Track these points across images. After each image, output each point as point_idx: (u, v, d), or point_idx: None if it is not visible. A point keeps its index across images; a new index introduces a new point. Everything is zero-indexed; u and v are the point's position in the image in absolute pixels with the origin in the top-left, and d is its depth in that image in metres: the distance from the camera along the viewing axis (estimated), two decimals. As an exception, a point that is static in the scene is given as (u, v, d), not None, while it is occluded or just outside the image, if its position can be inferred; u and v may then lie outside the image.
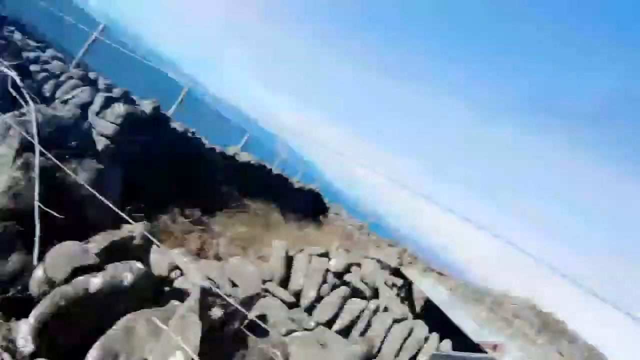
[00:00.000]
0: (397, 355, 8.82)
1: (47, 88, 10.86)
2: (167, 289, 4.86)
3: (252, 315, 4.94)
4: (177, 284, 5.76)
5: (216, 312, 3.95)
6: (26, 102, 5.53)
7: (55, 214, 4.25)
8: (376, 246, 35.87)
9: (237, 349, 4.42)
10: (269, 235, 14.63)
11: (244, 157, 22.38)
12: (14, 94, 5.74)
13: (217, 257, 10.52)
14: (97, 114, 11.11)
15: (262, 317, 5.32)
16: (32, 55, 11.47)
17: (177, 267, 5.98)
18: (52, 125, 5.02)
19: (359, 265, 9.72)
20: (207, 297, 3.91)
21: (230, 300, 4.15)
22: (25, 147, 4.58)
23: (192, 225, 11.52)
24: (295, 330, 8.78)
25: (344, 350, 5.65)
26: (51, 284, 3.89)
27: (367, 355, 5.67)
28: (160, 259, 5.97)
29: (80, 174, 4.93)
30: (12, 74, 5.85)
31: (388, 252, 22.08)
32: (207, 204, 14.48)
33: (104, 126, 10.88)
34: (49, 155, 4.68)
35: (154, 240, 4.48)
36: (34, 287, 3.97)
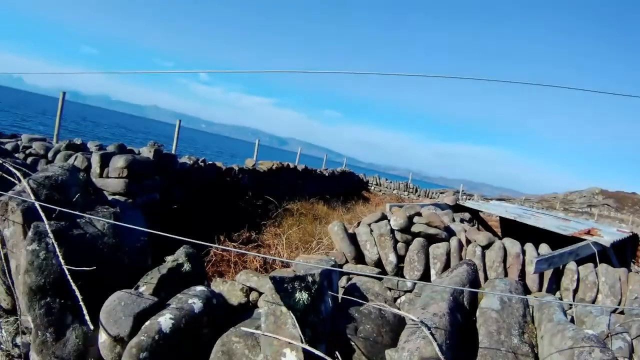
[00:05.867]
0: (505, 274, 8.51)
1: (41, 168, 10.76)
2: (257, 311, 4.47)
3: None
4: (261, 304, 5.50)
5: (302, 295, 3.58)
6: (12, 175, 5.27)
7: (86, 268, 3.89)
8: (430, 198, 36.18)
9: (346, 322, 4.07)
10: (322, 227, 14.49)
11: (264, 166, 22.33)
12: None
13: (285, 265, 10.32)
14: (100, 175, 10.94)
15: (355, 290, 4.94)
16: (9, 146, 11.26)
17: (252, 289, 5.71)
18: (47, 187, 4.68)
19: (419, 214, 9.36)
20: (283, 284, 3.54)
21: (310, 278, 3.78)
22: (29, 217, 4.25)
23: (243, 246, 11.28)
24: (398, 297, 8.58)
25: (444, 280, 5.25)
26: (121, 341, 3.54)
27: (473, 277, 5.28)
28: (230, 287, 5.73)
29: (97, 224, 4.58)
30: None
31: (443, 196, 22.10)
32: (247, 222, 14.30)
33: (110, 184, 10.64)
34: (59, 209, 4.35)
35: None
36: (105, 353, 3.63)
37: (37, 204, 4.29)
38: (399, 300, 8.64)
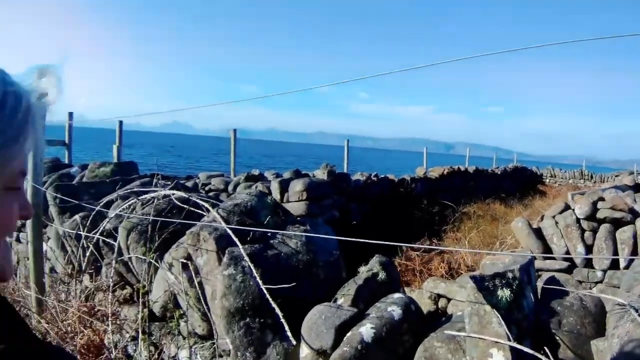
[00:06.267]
0: None
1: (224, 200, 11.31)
2: (443, 319, 4.43)
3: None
4: (451, 310, 5.43)
5: (504, 292, 3.48)
6: (200, 207, 5.46)
7: (285, 286, 3.96)
8: (605, 183, 34.79)
9: (549, 316, 3.94)
10: (502, 227, 14.27)
11: (435, 172, 22.22)
12: (187, 207, 5.70)
13: (470, 269, 10.19)
14: (281, 201, 11.22)
15: (554, 282, 4.79)
16: (189, 184, 11.77)
17: (440, 296, 5.65)
18: (237, 214, 4.83)
19: (601, 199, 8.99)
20: (484, 283, 3.45)
21: (510, 274, 3.67)
22: (222, 244, 4.39)
23: (426, 254, 11.24)
24: (590, 289, 8.27)
25: None
26: (323, 354, 3.57)
27: None
28: (418, 296, 5.70)
29: (290, 242, 4.67)
30: (170, 192, 5.84)
31: (619, 179, 21.13)
32: (425, 230, 14.25)
33: (291, 208, 10.88)
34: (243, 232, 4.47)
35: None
36: (308, 368, 3.66)
37: (229, 230, 4.42)
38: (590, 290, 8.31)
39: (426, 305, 5.57)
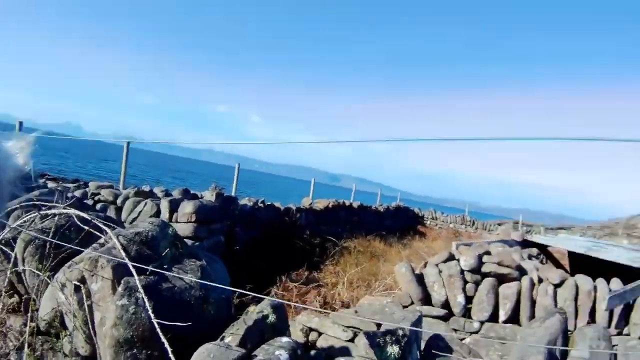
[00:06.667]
0: (577, 316, 8.52)
1: (112, 215, 11.21)
2: (312, 352, 4.61)
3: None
4: (320, 344, 5.58)
5: (393, 349, 3.68)
6: (101, 230, 5.46)
7: (179, 324, 4.05)
8: (488, 231, 35.79)
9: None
10: (381, 265, 14.57)
11: (320, 204, 22.51)
12: (86, 228, 5.68)
13: (345, 305, 10.40)
14: (170, 220, 11.21)
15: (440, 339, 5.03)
16: (78, 193, 11.60)
17: (312, 329, 5.80)
18: (137, 243, 4.89)
19: (487, 253, 9.39)
20: (375, 339, 3.64)
21: (401, 331, 3.88)
22: (120, 272, 4.44)
23: (304, 286, 11.41)
24: (463, 339, 8.57)
25: (537, 331, 5.32)
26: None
27: (565, 326, 5.35)
28: (291, 326, 5.83)
29: (185, 276, 4.75)
30: (72, 211, 5.81)
31: (504, 230, 21.91)
32: (305, 261, 14.47)
33: (179, 229, 10.90)
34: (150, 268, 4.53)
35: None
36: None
37: (129, 264, 4.47)
38: (464, 342, 8.67)
39: (297, 337, 5.71)
